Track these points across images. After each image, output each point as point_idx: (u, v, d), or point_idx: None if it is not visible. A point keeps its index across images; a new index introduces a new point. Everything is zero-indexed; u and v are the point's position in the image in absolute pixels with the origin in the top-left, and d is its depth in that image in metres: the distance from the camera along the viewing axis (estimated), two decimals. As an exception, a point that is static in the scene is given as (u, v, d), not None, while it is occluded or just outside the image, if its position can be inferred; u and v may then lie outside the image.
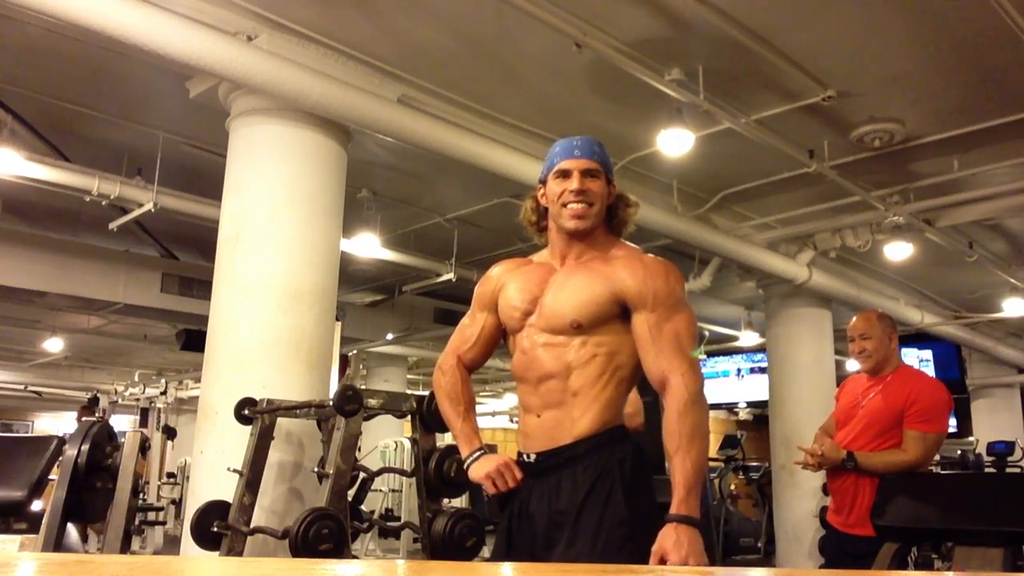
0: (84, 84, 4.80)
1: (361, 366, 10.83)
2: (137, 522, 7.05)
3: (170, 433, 10.21)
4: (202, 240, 6.48)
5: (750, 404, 12.82)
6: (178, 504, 9.52)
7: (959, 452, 7.99)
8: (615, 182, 2.07)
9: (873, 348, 3.20)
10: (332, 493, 3.33)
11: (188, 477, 8.48)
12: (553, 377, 1.92)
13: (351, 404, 3.41)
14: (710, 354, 11.36)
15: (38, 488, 2.91)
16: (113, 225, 5.95)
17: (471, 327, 2.14)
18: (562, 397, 1.91)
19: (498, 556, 1.99)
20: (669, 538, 1.69)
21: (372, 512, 6.75)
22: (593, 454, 1.87)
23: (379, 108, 4.24)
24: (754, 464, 10.00)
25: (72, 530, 2.99)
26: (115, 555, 3.00)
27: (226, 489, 3.72)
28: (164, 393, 12.37)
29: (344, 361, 8.85)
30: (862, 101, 4.70)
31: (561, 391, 1.91)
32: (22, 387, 15.09)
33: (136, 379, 14.22)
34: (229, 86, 4.17)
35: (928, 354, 10.59)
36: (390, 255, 7.03)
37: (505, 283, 2.07)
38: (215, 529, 3.65)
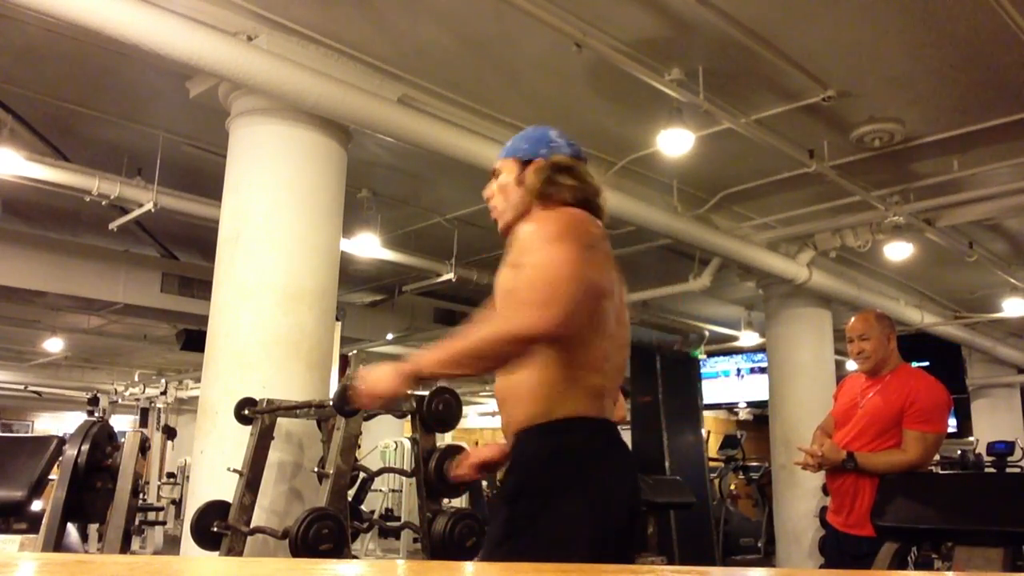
0: (84, 84, 4.80)
1: (361, 366, 10.83)
2: (137, 522, 7.06)
3: (170, 433, 10.22)
4: (202, 240, 6.48)
5: (750, 404, 12.81)
6: (178, 504, 9.53)
7: (959, 452, 7.99)
8: (540, 158, 1.89)
9: (872, 349, 3.19)
10: (332, 493, 3.33)
11: (188, 477, 8.49)
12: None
13: (351, 404, 3.41)
14: (710, 354, 11.35)
15: (38, 488, 2.91)
16: (113, 225, 5.96)
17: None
18: (502, 394, 1.79)
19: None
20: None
21: (372, 512, 6.75)
22: (514, 453, 1.75)
23: (379, 108, 4.24)
24: (754, 464, 10.01)
25: (72, 530, 2.99)
26: (115, 555, 3.00)
27: (226, 489, 3.72)
28: (164, 393, 12.37)
29: (344, 361, 8.85)
30: (862, 101, 4.70)
31: (502, 387, 1.79)
32: (22, 387, 15.09)
33: (136, 379, 14.21)
34: (229, 86, 4.17)
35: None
36: (390, 255, 7.03)
37: None
38: (215, 529, 3.66)
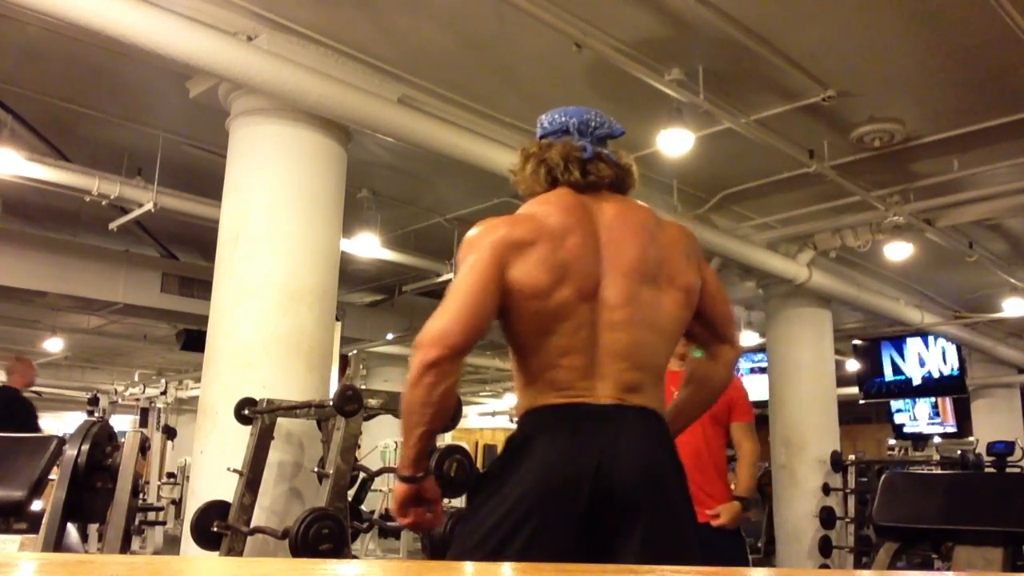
0: (84, 84, 4.80)
1: (361, 366, 10.83)
2: (137, 522, 7.06)
3: (170, 433, 10.21)
4: (202, 240, 6.48)
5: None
6: (178, 504, 9.52)
7: (959, 452, 7.98)
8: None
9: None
10: (332, 493, 3.33)
11: (188, 477, 8.48)
12: None
13: (351, 404, 3.41)
14: (710, 354, 11.33)
15: (38, 488, 2.91)
16: (113, 225, 5.96)
17: None
18: None
19: None
20: None
21: (372, 512, 6.74)
22: None
23: (379, 108, 4.24)
24: (754, 464, 9.98)
25: (72, 530, 2.99)
26: (115, 555, 3.00)
27: (226, 489, 3.72)
28: (164, 393, 12.35)
29: (344, 361, 8.84)
30: (862, 101, 4.70)
31: None
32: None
33: (136, 379, 14.21)
34: (229, 86, 4.17)
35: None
36: (390, 255, 7.03)
37: None
38: (215, 529, 3.65)
